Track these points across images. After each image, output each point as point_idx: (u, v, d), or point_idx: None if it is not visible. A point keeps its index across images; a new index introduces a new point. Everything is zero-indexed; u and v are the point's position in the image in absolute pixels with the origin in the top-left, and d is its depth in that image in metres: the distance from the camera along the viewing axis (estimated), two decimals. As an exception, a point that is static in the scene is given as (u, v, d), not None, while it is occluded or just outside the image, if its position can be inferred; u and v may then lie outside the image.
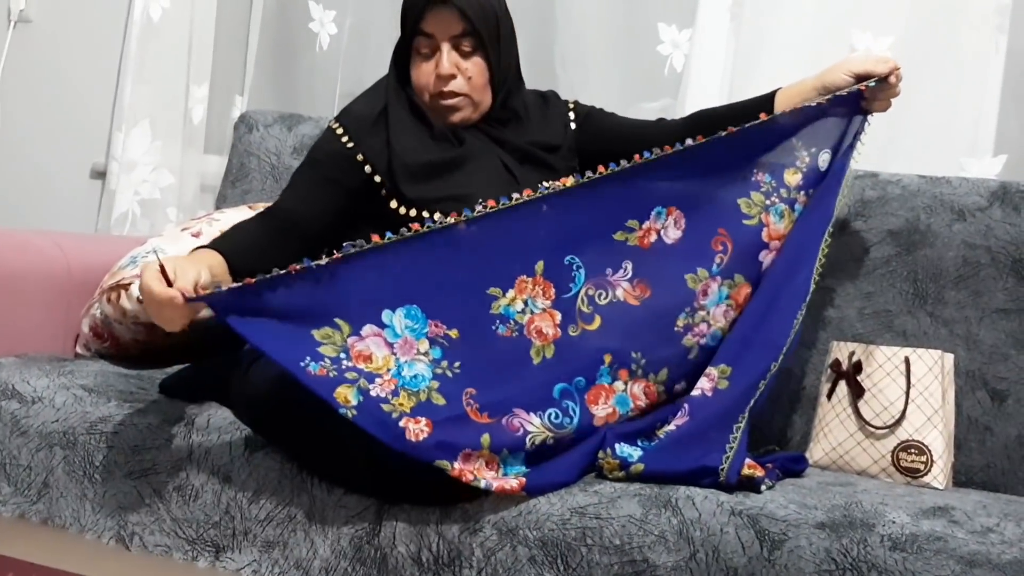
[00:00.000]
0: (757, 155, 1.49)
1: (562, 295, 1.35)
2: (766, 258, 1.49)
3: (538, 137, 1.62)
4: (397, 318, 1.28)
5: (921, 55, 1.94)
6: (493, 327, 1.30)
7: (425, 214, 1.50)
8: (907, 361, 1.51)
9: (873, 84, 1.51)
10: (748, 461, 1.31)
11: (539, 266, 1.35)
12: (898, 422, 1.50)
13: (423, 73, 1.55)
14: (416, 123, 1.56)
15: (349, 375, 1.22)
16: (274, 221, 1.53)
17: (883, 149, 1.95)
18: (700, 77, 2.06)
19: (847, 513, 1.21)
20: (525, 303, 1.32)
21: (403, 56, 1.59)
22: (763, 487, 1.29)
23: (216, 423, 1.40)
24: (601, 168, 1.39)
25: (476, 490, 1.24)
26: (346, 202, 1.55)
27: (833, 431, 1.56)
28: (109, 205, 2.39)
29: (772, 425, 1.69)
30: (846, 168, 1.53)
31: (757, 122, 1.47)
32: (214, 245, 1.45)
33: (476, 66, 1.55)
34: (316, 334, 1.24)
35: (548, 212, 1.35)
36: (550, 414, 1.28)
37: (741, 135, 1.44)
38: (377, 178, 1.53)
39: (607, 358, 1.35)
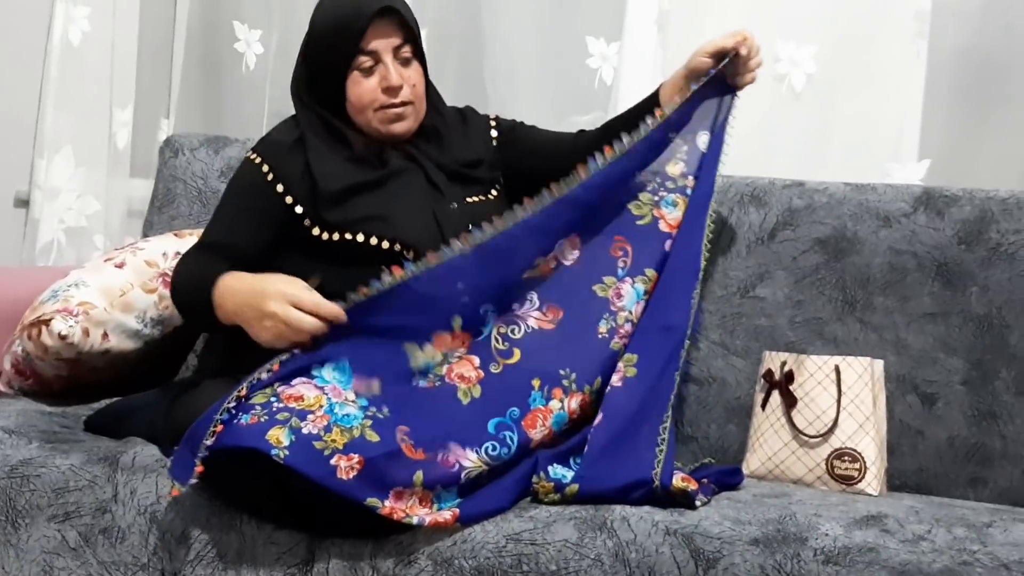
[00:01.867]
0: (644, 165, 1.53)
1: (476, 339, 1.36)
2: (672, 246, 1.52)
3: (460, 154, 1.61)
4: (326, 371, 1.30)
5: (844, 63, 1.97)
6: (413, 382, 1.31)
7: (348, 236, 1.49)
8: (837, 369, 1.53)
9: (727, 61, 1.54)
10: (682, 475, 1.30)
11: (457, 322, 1.37)
12: (831, 430, 1.51)
13: (367, 90, 1.52)
14: (335, 146, 1.54)
15: (280, 416, 1.20)
16: (214, 252, 1.51)
17: (809, 157, 1.98)
18: (630, 89, 2.06)
19: (780, 527, 1.22)
20: (444, 356, 1.34)
21: (319, 78, 1.56)
22: (698, 502, 1.29)
23: (142, 461, 1.36)
24: (523, 210, 1.42)
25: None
26: (271, 230, 1.53)
27: (768, 441, 1.56)
28: (33, 234, 2.33)
29: (708, 437, 1.69)
30: (723, 144, 1.59)
31: (640, 135, 1.51)
32: (214, 276, 1.44)
33: (417, 73, 1.54)
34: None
35: (471, 266, 1.37)
36: (487, 447, 1.27)
37: (629, 154, 1.49)
38: (298, 208, 1.51)
39: (536, 383, 1.34)
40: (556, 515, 1.23)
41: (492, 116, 1.73)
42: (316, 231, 1.50)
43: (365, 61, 1.51)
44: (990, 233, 1.67)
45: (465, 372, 1.33)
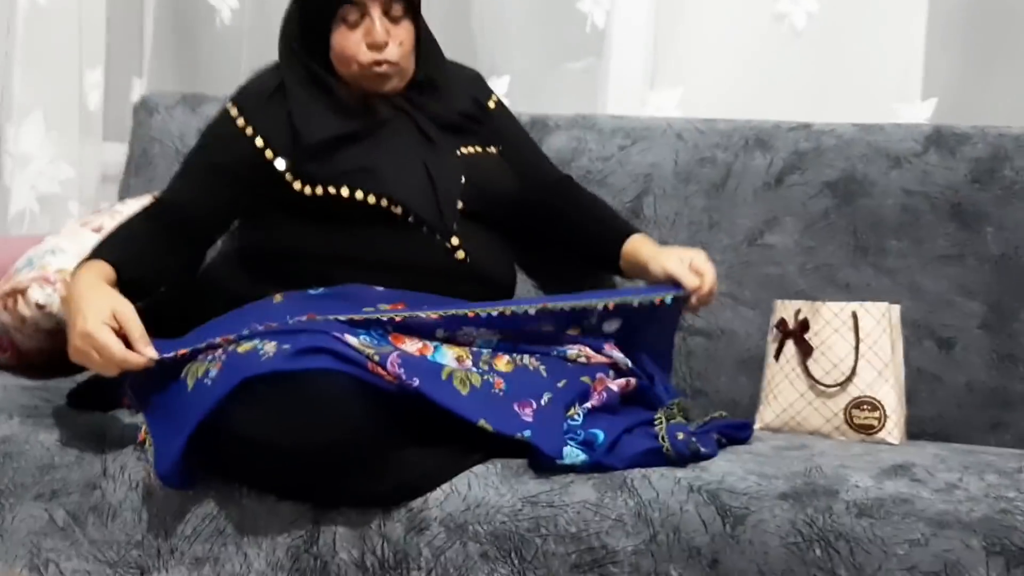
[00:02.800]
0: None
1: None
2: None
3: (456, 105, 1.53)
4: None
5: (847, 2, 1.90)
6: None
7: (331, 190, 1.41)
8: (855, 316, 1.47)
9: (670, 301, 1.37)
10: (693, 440, 1.24)
11: None
12: (849, 379, 1.45)
13: (351, 43, 1.43)
14: (318, 96, 1.45)
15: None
16: (163, 218, 1.43)
17: (814, 99, 1.91)
18: (623, 34, 1.99)
19: (808, 480, 1.16)
20: None
21: (307, 27, 1.47)
22: (703, 451, 1.23)
23: (130, 435, 1.29)
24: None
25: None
26: (242, 188, 1.45)
27: (783, 392, 1.51)
28: (4, 203, 2.24)
29: (719, 390, 1.64)
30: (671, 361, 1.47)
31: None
32: (101, 254, 1.36)
33: (406, 32, 1.45)
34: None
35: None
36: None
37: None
38: (278, 163, 1.43)
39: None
40: (574, 476, 1.18)
41: (498, 96, 1.64)
42: (298, 185, 1.41)
43: (351, 13, 1.42)
44: (1004, 171, 1.61)
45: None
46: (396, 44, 1.43)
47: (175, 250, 1.42)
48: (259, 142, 1.42)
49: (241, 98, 1.48)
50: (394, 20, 1.44)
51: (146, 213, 1.46)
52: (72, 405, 1.42)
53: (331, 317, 1.22)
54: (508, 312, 1.29)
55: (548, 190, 1.60)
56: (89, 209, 2.25)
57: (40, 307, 1.49)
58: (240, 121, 1.44)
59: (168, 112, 1.98)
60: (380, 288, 1.37)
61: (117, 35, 2.31)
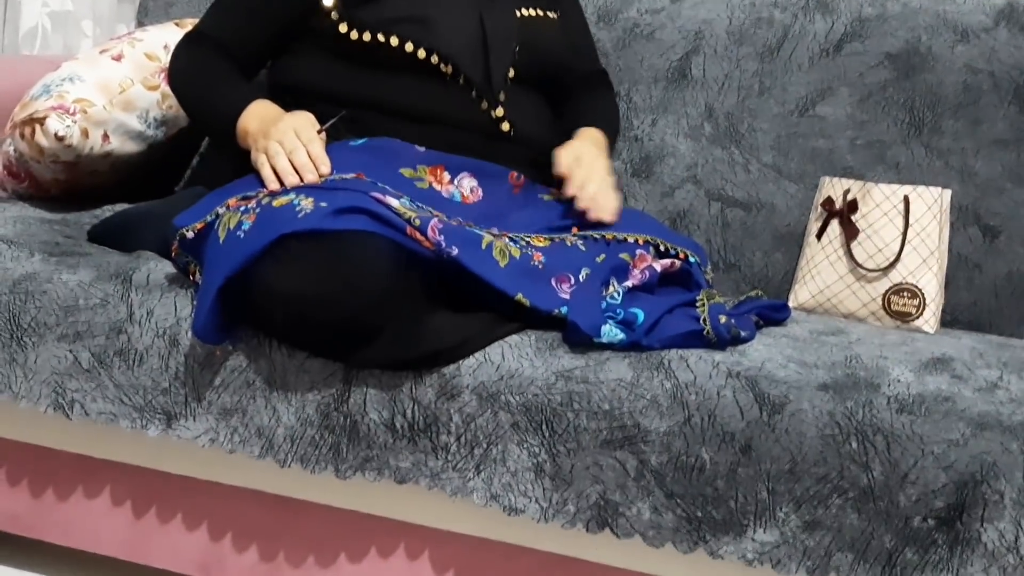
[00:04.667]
0: None
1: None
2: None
3: None
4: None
5: None
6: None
7: (380, 38, 1.32)
8: (906, 200, 1.41)
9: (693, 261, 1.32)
10: (733, 323, 1.21)
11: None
12: (892, 264, 1.42)
13: None
14: None
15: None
16: (220, 53, 1.35)
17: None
18: None
19: (850, 372, 1.14)
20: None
21: None
22: (743, 335, 1.21)
23: (156, 279, 1.25)
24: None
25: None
26: (284, 23, 1.36)
27: (822, 273, 1.47)
28: (15, 18, 2.12)
29: (752, 265, 1.60)
30: None
31: None
32: (246, 99, 1.33)
33: None
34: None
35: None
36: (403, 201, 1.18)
37: None
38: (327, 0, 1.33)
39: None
40: (610, 353, 1.15)
41: None
42: (344, 28, 1.33)
43: None
44: (1077, 53, 1.52)
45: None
46: None
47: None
48: None
49: None
50: None
51: (200, 47, 1.38)
52: (94, 241, 1.39)
53: (380, 185, 1.17)
54: (558, 240, 1.26)
55: (578, 80, 1.52)
56: (104, 30, 2.14)
57: (59, 139, 1.42)
58: None
59: (189, -70, 1.85)
60: (421, 148, 1.30)
61: None
